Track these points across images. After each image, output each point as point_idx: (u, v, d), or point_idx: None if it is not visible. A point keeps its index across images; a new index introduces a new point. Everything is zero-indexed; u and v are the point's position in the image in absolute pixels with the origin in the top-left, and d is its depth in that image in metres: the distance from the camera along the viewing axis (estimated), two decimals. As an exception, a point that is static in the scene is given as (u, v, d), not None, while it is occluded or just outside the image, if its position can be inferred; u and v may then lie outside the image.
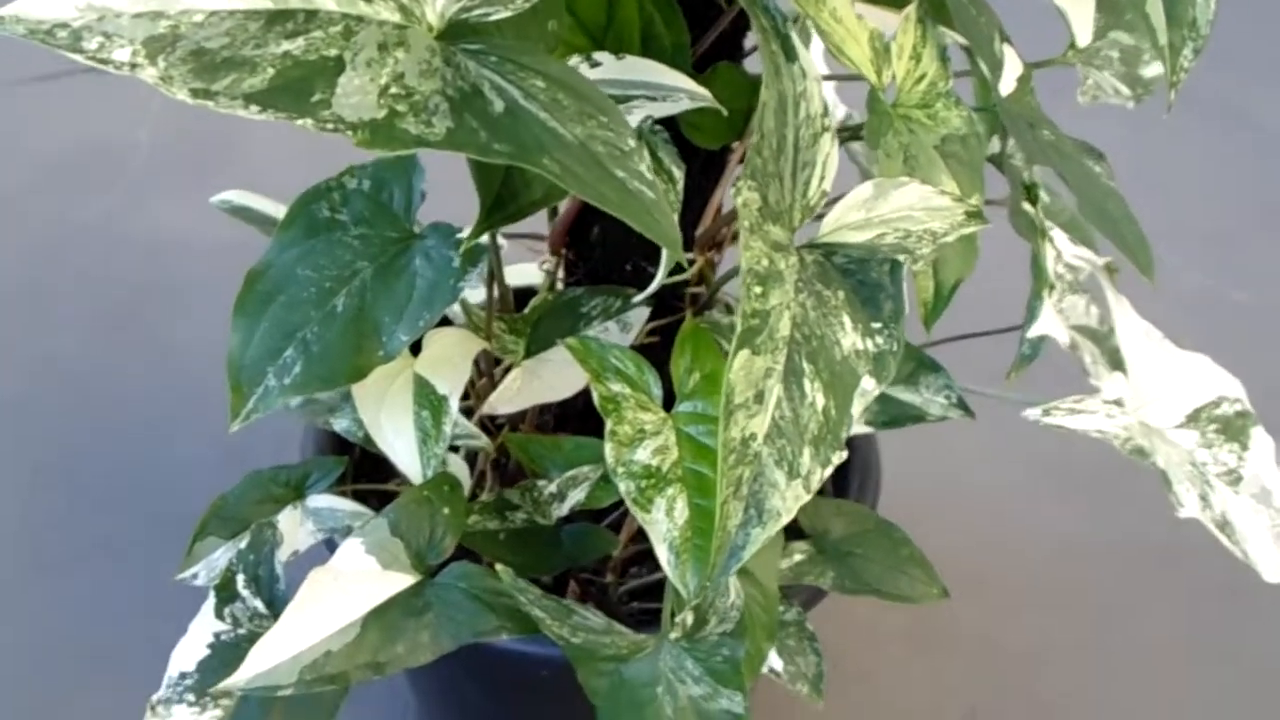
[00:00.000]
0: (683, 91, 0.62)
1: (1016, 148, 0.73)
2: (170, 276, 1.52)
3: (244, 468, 0.83)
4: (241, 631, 0.71)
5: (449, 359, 0.74)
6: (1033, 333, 0.73)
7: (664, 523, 0.62)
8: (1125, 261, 0.69)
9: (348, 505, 0.80)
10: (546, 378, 0.77)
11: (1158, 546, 1.24)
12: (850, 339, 0.53)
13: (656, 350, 0.76)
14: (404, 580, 0.66)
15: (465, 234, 0.64)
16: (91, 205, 1.63)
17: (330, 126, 0.40)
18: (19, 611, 1.15)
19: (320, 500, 0.80)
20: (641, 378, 0.68)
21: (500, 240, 0.73)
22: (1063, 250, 0.82)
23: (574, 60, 0.63)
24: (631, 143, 0.46)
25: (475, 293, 0.83)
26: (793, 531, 0.83)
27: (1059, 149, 0.67)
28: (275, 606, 0.71)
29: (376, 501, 0.83)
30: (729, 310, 0.83)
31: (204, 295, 1.45)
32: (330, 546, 0.78)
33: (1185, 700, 1.14)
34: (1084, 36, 0.72)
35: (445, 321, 0.78)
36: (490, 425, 0.85)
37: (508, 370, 0.78)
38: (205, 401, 1.17)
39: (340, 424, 0.79)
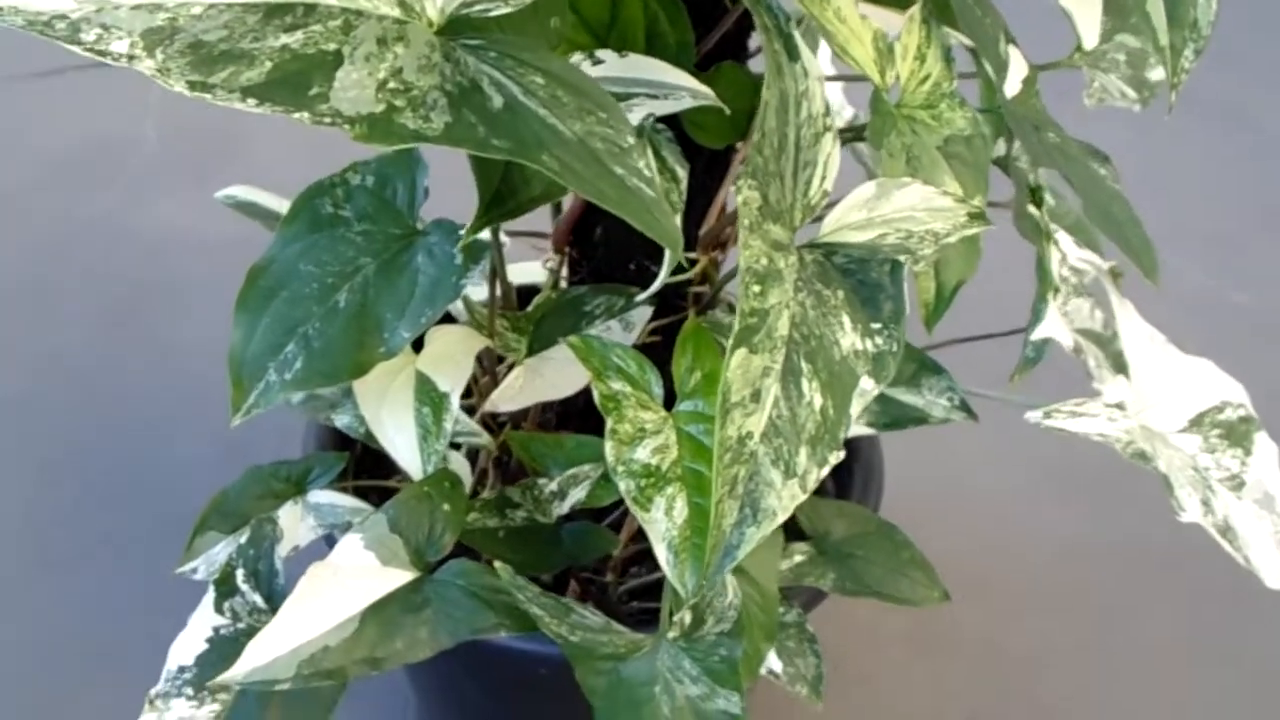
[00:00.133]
0: (685, 90, 0.62)
1: (1022, 150, 0.73)
2: (174, 273, 1.52)
3: (248, 464, 0.84)
4: (240, 626, 0.71)
5: (451, 356, 0.74)
6: (1036, 335, 0.73)
7: (663, 522, 0.62)
8: (1130, 264, 0.69)
9: (348, 501, 0.80)
10: (548, 376, 0.77)
11: (1160, 549, 1.23)
12: (849, 339, 0.53)
13: (659, 349, 0.76)
14: (403, 576, 0.66)
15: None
16: (95, 201, 1.64)
17: (328, 120, 0.40)
18: (23, 607, 1.15)
19: (321, 496, 0.80)
20: (643, 376, 0.68)
21: (503, 238, 0.73)
22: (1068, 253, 0.82)
23: (576, 57, 0.63)
24: (631, 140, 0.46)
25: (478, 290, 0.83)
26: (794, 532, 0.82)
27: (1064, 151, 0.66)
28: (274, 601, 0.71)
29: (377, 498, 0.82)
30: (732, 310, 0.83)
31: (208, 291, 1.45)
32: (330, 542, 0.78)
33: (1187, 703, 1.13)
34: (1090, 39, 0.72)
35: (449, 319, 0.78)
36: (492, 423, 0.85)
37: (510, 368, 0.78)
38: (209, 398, 1.18)
39: (342, 420, 0.79)
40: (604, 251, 0.81)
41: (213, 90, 0.39)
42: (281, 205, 0.84)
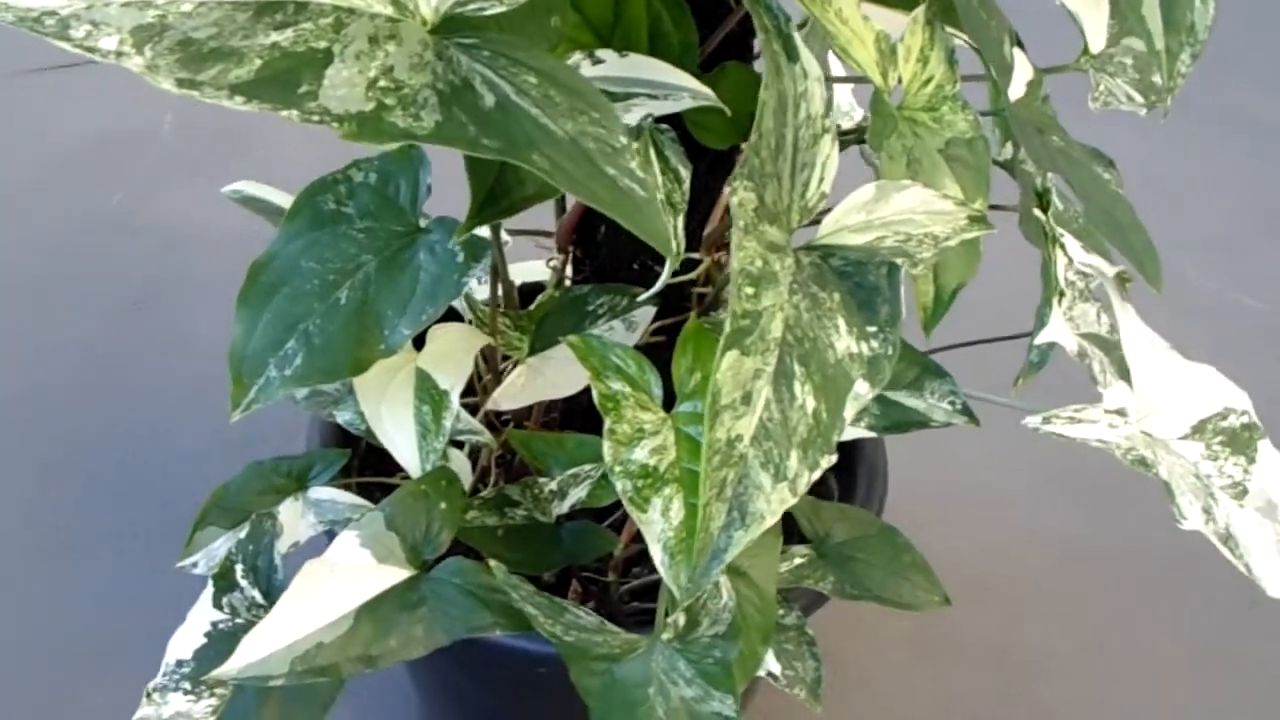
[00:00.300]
0: (685, 90, 0.62)
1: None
2: (186, 267, 1.53)
3: (255, 459, 0.84)
4: (239, 621, 0.71)
5: (452, 354, 0.74)
6: (1040, 340, 0.72)
7: (659, 523, 0.62)
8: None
9: (349, 498, 0.80)
10: (550, 375, 0.77)
11: (1163, 553, 1.23)
12: (845, 342, 0.53)
13: (662, 350, 0.76)
14: (398, 574, 0.67)
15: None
16: (109, 196, 1.64)
17: (316, 118, 0.40)
18: (25, 601, 1.16)
19: (322, 492, 0.80)
20: (642, 377, 0.67)
21: (505, 236, 0.73)
22: (1074, 257, 0.81)
23: (576, 56, 0.63)
24: (623, 140, 0.46)
25: (483, 289, 0.83)
26: (795, 535, 0.82)
27: (1067, 155, 0.66)
28: (273, 597, 0.71)
29: (381, 495, 0.82)
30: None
31: (219, 286, 1.46)
32: (331, 539, 0.78)
33: (1188, 706, 1.13)
34: (1097, 42, 0.71)
35: (455, 317, 0.78)
36: (496, 421, 0.85)
37: (515, 366, 0.78)
38: (215, 393, 1.18)
39: (343, 416, 0.79)
40: (607, 251, 0.81)
41: (200, 88, 0.39)
42: (287, 201, 0.84)
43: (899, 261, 0.56)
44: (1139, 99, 0.74)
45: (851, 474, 0.93)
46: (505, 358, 0.81)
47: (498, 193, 0.54)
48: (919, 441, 0.87)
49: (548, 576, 0.86)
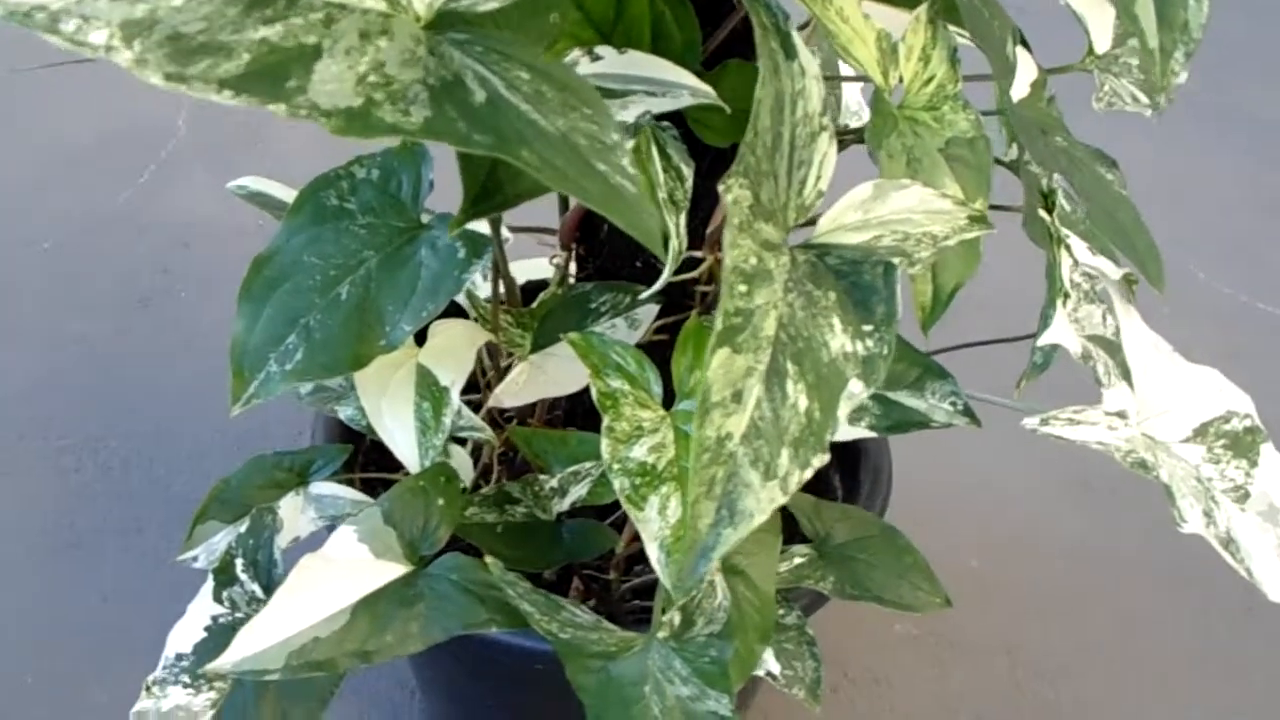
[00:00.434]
0: (685, 88, 0.62)
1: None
2: (198, 261, 1.54)
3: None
4: (239, 615, 0.71)
5: (453, 350, 0.74)
6: (1044, 341, 0.72)
7: (656, 521, 0.61)
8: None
9: (350, 493, 0.80)
10: (552, 372, 0.76)
11: (1169, 556, 1.23)
12: (839, 341, 0.52)
13: (665, 348, 0.76)
14: (396, 570, 0.67)
15: (469, 226, 0.64)
16: (124, 190, 1.65)
17: (304, 113, 0.40)
18: (31, 599, 1.16)
19: (323, 487, 0.80)
20: (642, 375, 0.67)
21: (506, 233, 0.73)
22: (1079, 259, 0.81)
23: (575, 53, 0.62)
24: (615, 136, 0.46)
25: (486, 286, 0.83)
26: (796, 535, 0.82)
27: (1070, 155, 0.65)
28: (272, 591, 0.71)
29: (383, 490, 0.83)
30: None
31: (230, 280, 1.46)
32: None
33: (1195, 708, 1.12)
34: (1102, 42, 0.71)
35: (459, 313, 0.78)
36: (500, 418, 0.85)
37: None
38: (222, 390, 1.19)
39: (345, 411, 0.80)
40: (610, 248, 0.81)
41: (188, 82, 0.39)
42: (290, 196, 0.84)
43: (896, 261, 0.55)
44: (1144, 100, 0.73)
45: (855, 476, 0.93)
46: (509, 355, 0.81)
47: (490, 188, 0.54)
48: (922, 442, 0.87)
49: (549, 574, 0.86)
